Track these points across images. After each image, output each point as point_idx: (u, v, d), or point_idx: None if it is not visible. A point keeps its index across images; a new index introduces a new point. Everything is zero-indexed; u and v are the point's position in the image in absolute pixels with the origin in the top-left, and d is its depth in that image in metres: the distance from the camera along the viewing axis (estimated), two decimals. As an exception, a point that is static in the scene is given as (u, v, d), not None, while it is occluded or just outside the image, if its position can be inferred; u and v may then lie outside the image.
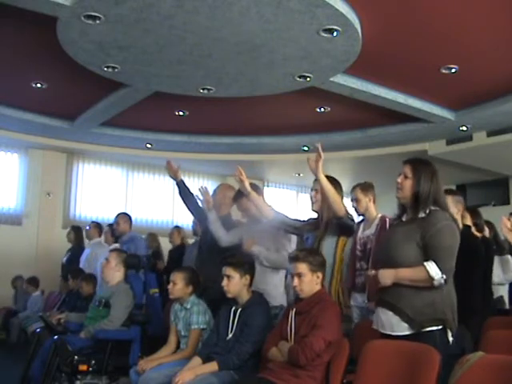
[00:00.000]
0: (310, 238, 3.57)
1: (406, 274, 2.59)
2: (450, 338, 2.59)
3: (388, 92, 5.85)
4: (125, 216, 6.00)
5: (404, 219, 2.80)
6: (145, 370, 3.39)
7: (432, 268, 2.54)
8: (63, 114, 7.09)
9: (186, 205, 4.60)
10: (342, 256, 3.44)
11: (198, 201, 4.37)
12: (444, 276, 2.54)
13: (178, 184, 4.58)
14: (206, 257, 4.32)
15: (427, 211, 2.66)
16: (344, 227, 3.40)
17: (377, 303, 2.78)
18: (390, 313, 2.64)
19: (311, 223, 3.64)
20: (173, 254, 6.80)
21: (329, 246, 3.39)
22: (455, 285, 2.68)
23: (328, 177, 3.56)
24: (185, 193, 4.56)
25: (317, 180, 3.42)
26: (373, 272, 2.68)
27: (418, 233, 2.62)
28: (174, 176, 4.56)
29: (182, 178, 4.62)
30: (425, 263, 2.56)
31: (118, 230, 5.90)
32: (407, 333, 2.59)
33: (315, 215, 3.64)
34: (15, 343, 6.62)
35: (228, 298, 3.38)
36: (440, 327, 2.57)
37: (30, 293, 7.26)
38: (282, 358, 2.88)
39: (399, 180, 2.76)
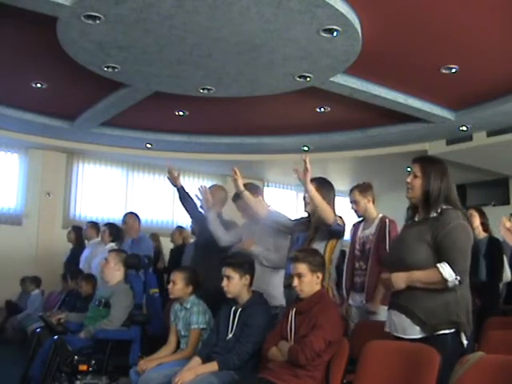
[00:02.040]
0: (300, 238, 3.59)
1: (419, 276, 2.54)
2: (465, 342, 2.53)
3: (388, 92, 5.85)
4: (133, 215, 5.92)
5: (416, 219, 2.75)
6: (145, 370, 3.39)
7: (445, 270, 2.47)
8: (63, 114, 7.09)
9: (186, 209, 4.69)
10: (330, 257, 3.46)
11: (198, 201, 4.41)
12: (458, 277, 2.48)
13: (178, 190, 4.67)
14: (200, 256, 4.41)
15: (439, 210, 2.60)
16: (333, 232, 3.44)
17: (390, 306, 2.74)
18: (403, 316, 2.59)
19: (303, 222, 3.66)
20: (174, 253, 6.80)
21: (318, 248, 3.40)
22: None
23: (320, 178, 3.61)
24: (185, 198, 4.66)
25: (314, 181, 3.47)
26: (386, 276, 2.64)
27: (429, 233, 2.56)
28: (175, 182, 4.64)
29: (182, 183, 4.69)
30: (438, 265, 2.50)
31: (126, 229, 5.80)
32: (419, 336, 2.54)
33: (306, 214, 3.66)
34: (15, 343, 6.61)
35: (223, 296, 3.38)
36: (453, 330, 2.51)
37: (30, 292, 7.27)
38: (282, 358, 2.89)
39: (409, 180, 2.71)
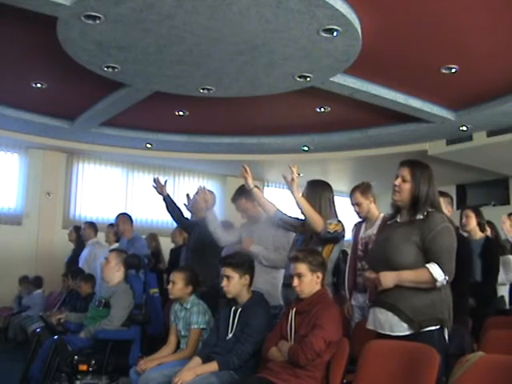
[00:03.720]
0: (299, 239, 3.61)
1: (409, 276, 2.59)
2: (447, 337, 2.62)
3: (388, 92, 5.85)
4: (124, 216, 5.98)
5: (399, 220, 2.80)
6: (145, 370, 3.39)
7: (435, 270, 2.55)
8: (63, 114, 7.09)
9: (173, 216, 4.81)
10: (326, 261, 3.45)
11: (187, 203, 4.50)
12: (446, 277, 2.56)
13: (164, 199, 4.74)
14: (192, 259, 4.51)
15: (425, 213, 2.67)
16: (325, 240, 3.44)
17: (374, 303, 2.77)
18: (390, 313, 2.64)
19: (303, 223, 3.65)
20: (174, 253, 6.80)
21: None
22: None
23: (319, 181, 3.63)
24: (171, 206, 4.77)
25: (307, 185, 3.55)
26: (373, 275, 2.66)
27: (418, 235, 2.63)
28: (161, 191, 4.73)
29: (167, 192, 4.81)
30: (427, 265, 2.57)
31: (119, 231, 5.89)
32: (407, 333, 2.59)
33: None
34: (15, 343, 6.61)
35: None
36: (438, 327, 2.59)
37: (32, 292, 7.27)
38: (282, 358, 2.89)
39: (397, 183, 2.75)
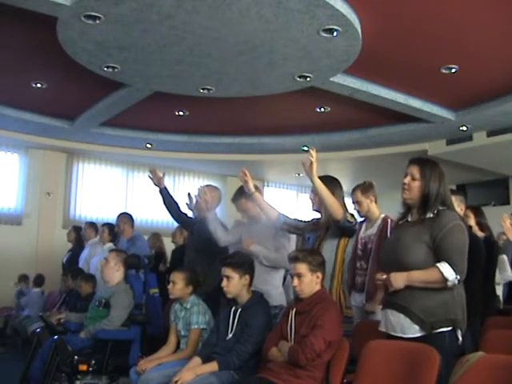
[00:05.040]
0: (311, 237, 3.57)
1: (419, 276, 2.55)
2: (460, 338, 2.57)
3: (388, 92, 5.85)
4: (125, 217, 5.97)
5: (410, 219, 2.76)
6: (145, 370, 3.39)
7: (446, 269, 2.50)
8: (63, 114, 7.09)
9: (170, 212, 4.68)
10: (343, 256, 3.44)
11: (195, 201, 4.43)
12: (458, 277, 2.51)
13: (161, 191, 4.63)
14: (193, 259, 4.43)
15: (435, 211, 2.63)
16: (344, 229, 3.40)
17: (386, 305, 2.74)
18: (401, 315, 2.60)
19: (314, 223, 3.64)
20: (175, 254, 6.80)
21: (330, 247, 3.39)
22: None
23: (328, 176, 3.58)
24: (168, 200, 4.64)
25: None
26: (384, 276, 2.64)
27: (428, 233, 2.59)
28: (158, 183, 4.61)
29: (166, 184, 4.69)
30: (438, 264, 2.52)
31: (119, 231, 5.89)
32: (418, 335, 2.55)
33: (318, 215, 3.64)
34: (15, 343, 6.61)
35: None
36: (450, 328, 2.54)
37: (30, 289, 7.28)
38: (282, 358, 2.88)
39: (406, 181, 2.71)
